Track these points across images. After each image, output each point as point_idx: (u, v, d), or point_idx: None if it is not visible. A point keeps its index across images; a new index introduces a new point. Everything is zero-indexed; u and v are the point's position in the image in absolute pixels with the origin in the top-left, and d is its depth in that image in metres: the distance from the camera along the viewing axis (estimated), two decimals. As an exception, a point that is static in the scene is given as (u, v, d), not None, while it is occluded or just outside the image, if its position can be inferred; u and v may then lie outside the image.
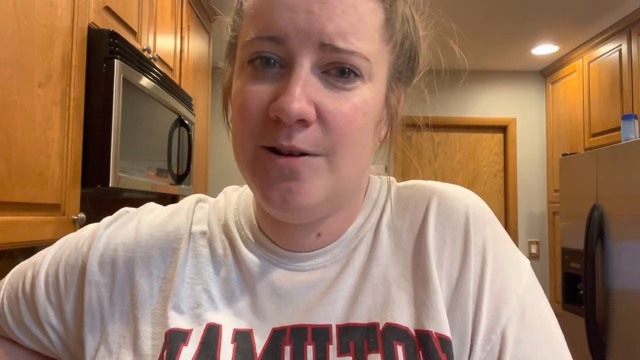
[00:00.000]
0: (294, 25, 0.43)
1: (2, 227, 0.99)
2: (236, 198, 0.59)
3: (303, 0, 0.43)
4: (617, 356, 2.32)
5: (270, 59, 0.45)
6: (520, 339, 0.47)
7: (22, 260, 0.62)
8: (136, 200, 1.88)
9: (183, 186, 1.97)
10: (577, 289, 2.71)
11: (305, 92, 0.43)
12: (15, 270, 0.61)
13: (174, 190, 1.88)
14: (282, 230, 0.53)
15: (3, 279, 0.62)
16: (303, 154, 0.44)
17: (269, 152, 0.45)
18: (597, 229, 2.44)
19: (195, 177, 2.28)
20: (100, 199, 1.88)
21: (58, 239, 0.61)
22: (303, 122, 0.43)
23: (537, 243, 4.00)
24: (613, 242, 2.37)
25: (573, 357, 0.50)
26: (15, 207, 1.04)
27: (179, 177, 1.92)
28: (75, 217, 1.25)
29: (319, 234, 0.52)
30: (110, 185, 1.30)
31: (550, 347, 0.48)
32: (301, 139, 0.43)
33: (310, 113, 0.43)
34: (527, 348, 0.47)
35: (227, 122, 0.54)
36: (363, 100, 0.46)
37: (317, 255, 0.52)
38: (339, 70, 0.44)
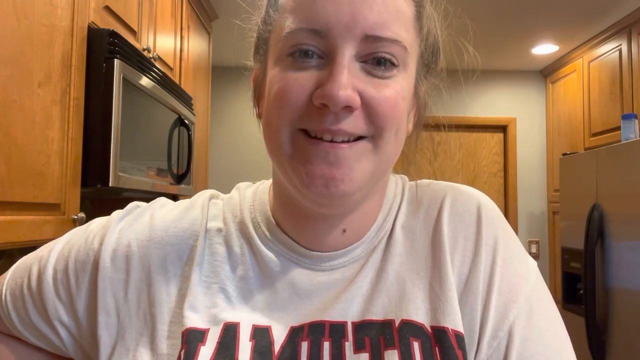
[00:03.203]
0: (337, 17, 0.44)
1: (2, 227, 0.99)
2: (251, 195, 0.58)
3: None
4: (617, 355, 2.32)
5: (309, 51, 0.45)
6: (527, 337, 0.48)
7: (22, 260, 0.61)
8: (136, 200, 1.87)
9: (183, 186, 1.97)
10: (577, 288, 2.71)
11: (349, 80, 0.44)
12: (17, 266, 0.59)
13: (173, 190, 1.88)
14: (305, 228, 0.53)
15: (4, 275, 0.60)
16: (345, 141, 0.45)
17: (309, 137, 0.45)
18: (597, 228, 2.44)
19: (195, 176, 2.28)
20: (100, 198, 1.88)
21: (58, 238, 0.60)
22: (349, 109, 0.44)
23: (537, 243, 4.00)
24: (613, 242, 2.37)
25: (575, 356, 0.50)
26: (15, 206, 1.04)
27: (179, 176, 1.92)
28: (75, 217, 1.25)
29: (344, 230, 0.53)
30: (110, 184, 1.30)
31: (556, 346, 0.49)
32: (349, 122, 0.44)
33: (356, 100, 0.44)
34: (533, 346, 0.48)
35: (258, 117, 0.55)
36: (401, 87, 0.47)
37: (339, 255, 0.53)
38: (378, 60, 0.45)
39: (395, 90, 0.46)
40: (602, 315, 2.43)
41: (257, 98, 0.55)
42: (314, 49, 0.45)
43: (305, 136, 0.45)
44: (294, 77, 0.45)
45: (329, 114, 0.44)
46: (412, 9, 0.48)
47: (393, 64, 0.46)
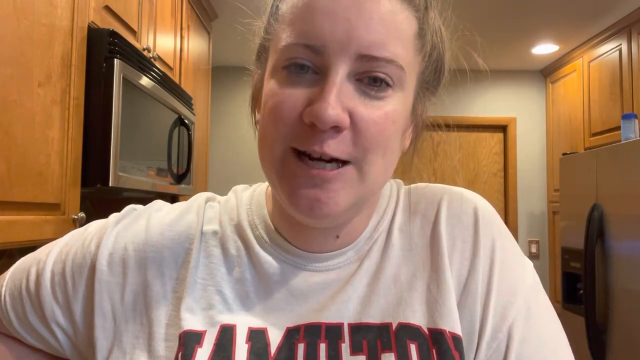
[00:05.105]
0: (332, 35, 0.43)
1: (2, 227, 0.99)
2: (248, 197, 0.59)
3: (341, 8, 0.43)
4: (617, 355, 2.32)
5: (304, 65, 0.45)
6: (525, 337, 0.48)
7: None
8: (136, 199, 1.88)
9: (183, 186, 1.97)
10: (577, 288, 2.71)
11: (339, 99, 0.43)
12: (16, 267, 0.59)
13: (173, 189, 1.88)
14: (300, 233, 0.53)
15: (3, 275, 0.60)
16: (333, 159, 0.45)
17: (299, 159, 0.45)
18: (597, 228, 2.44)
19: (195, 176, 2.28)
20: (100, 198, 1.88)
21: (58, 238, 0.60)
22: (337, 129, 0.44)
23: (537, 242, 4.00)
24: (613, 242, 2.37)
25: (573, 356, 0.51)
26: (15, 206, 1.04)
27: (179, 176, 1.92)
28: (75, 217, 1.25)
29: (337, 236, 0.53)
30: (110, 184, 1.30)
31: (553, 346, 0.49)
32: (333, 146, 0.44)
33: (345, 120, 0.43)
34: (532, 347, 0.48)
35: (255, 123, 0.55)
36: (394, 108, 0.46)
37: (334, 256, 0.53)
38: (373, 79, 0.45)
39: (385, 113, 0.45)
40: (602, 315, 2.43)
41: (254, 104, 0.55)
42: (309, 64, 0.45)
43: (294, 157, 0.46)
44: (288, 93, 0.45)
45: (317, 133, 0.44)
46: (414, 26, 0.47)
47: (388, 84, 0.45)
